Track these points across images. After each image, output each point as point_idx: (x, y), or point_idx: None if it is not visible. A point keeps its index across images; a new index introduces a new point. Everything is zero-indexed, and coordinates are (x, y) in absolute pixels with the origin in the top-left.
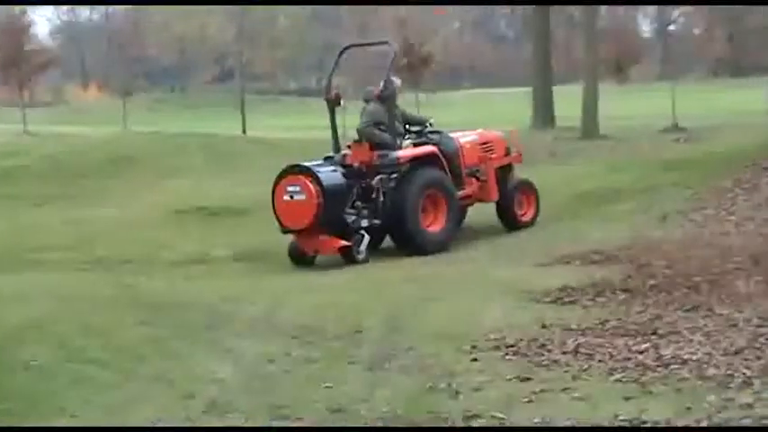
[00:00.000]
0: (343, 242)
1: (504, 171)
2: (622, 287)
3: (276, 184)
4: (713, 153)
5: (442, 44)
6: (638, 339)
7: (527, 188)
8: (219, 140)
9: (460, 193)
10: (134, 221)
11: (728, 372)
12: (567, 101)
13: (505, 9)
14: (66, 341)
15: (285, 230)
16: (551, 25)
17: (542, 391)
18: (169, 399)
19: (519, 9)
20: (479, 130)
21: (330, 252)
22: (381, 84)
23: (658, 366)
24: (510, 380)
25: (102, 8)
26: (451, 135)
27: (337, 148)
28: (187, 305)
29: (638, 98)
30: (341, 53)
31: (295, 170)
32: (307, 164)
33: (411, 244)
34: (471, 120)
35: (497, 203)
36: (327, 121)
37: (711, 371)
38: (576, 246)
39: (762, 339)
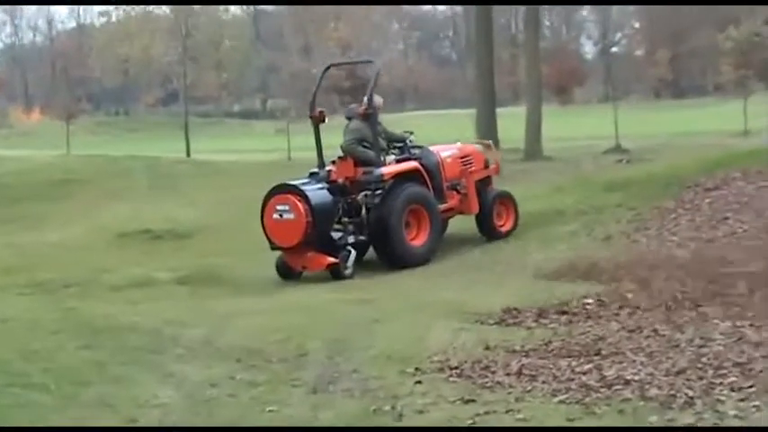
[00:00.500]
0: (331, 259)
1: (483, 183)
2: (566, 308)
3: (265, 203)
4: (655, 174)
5: (386, 66)
6: (582, 360)
7: (506, 199)
8: (163, 163)
9: (442, 206)
10: (76, 245)
11: (671, 392)
12: (511, 122)
13: (449, 31)
14: (7, 366)
15: (274, 248)
16: (494, 47)
17: (486, 413)
18: (112, 423)
19: (462, 30)
20: (458, 144)
21: (318, 268)
22: (365, 101)
23: (601, 387)
24: (453, 402)
25: (45, 30)
26: (432, 149)
27: (322, 164)
28: (129, 329)
29: (582, 119)
30: (324, 71)
31: (283, 189)
32: (295, 183)
33: (395, 258)
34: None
35: (477, 215)
36: (268, 144)
37: (654, 391)
38: (520, 267)
39: (703, 360)
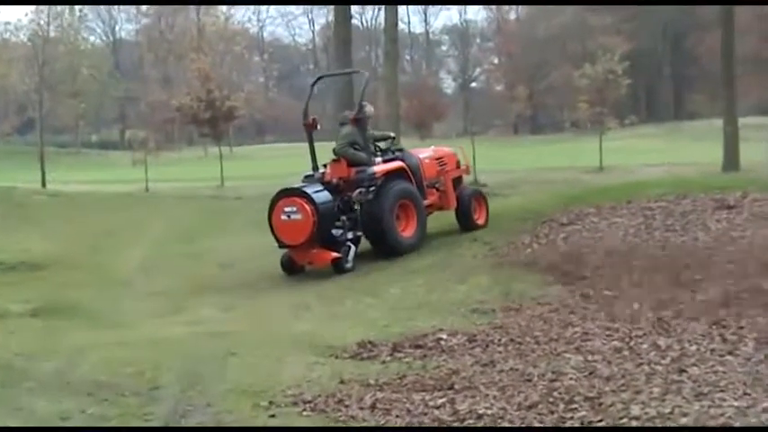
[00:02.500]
0: (335, 254)
1: (456, 182)
2: (421, 342)
3: (273, 205)
4: (512, 208)
5: (246, 98)
6: (435, 394)
7: (479, 196)
8: (18, 193)
9: (425, 202)
10: None
11: (522, 426)
12: None
13: (310, 64)
14: None
15: (282, 246)
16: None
17: None
18: None
19: (323, 63)
20: (433, 147)
21: (323, 263)
22: (356, 108)
23: (454, 421)
24: None
25: None
26: (411, 152)
27: (315, 167)
28: None
29: None
30: (314, 83)
31: (290, 193)
32: (300, 186)
33: (389, 249)
34: (276, 174)
35: (456, 210)
36: (124, 175)
37: (506, 425)
38: (377, 300)
39: (555, 394)
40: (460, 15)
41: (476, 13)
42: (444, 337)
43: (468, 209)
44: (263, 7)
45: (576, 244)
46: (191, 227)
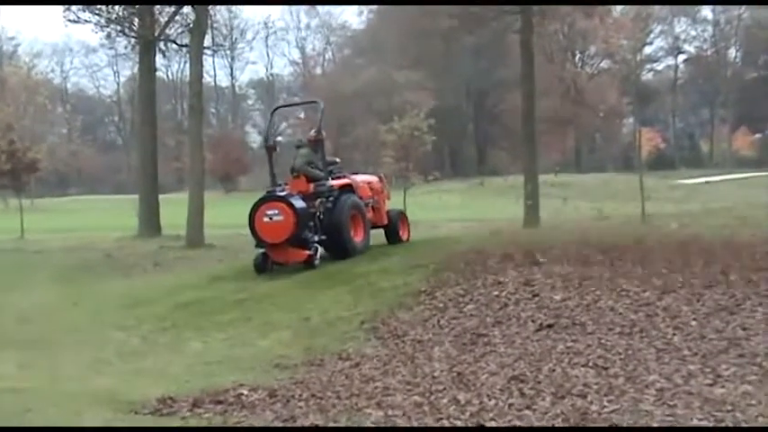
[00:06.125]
0: (308, 252)
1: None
2: (222, 397)
3: (255, 210)
4: (327, 264)
5: (48, 150)
6: None
7: (403, 217)
8: None
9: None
10: None
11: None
12: (177, 209)
13: (115, 115)
14: None
15: (260, 245)
16: (159, 132)
17: None
18: None
19: (128, 115)
20: (360, 174)
21: (297, 260)
22: (313, 132)
23: None
24: None
25: None
26: (349, 175)
27: (275, 184)
28: None
29: (246, 208)
30: (273, 112)
31: (271, 198)
32: (279, 193)
33: (344, 252)
34: (77, 226)
35: (385, 227)
36: None
37: None
38: (173, 355)
39: None
40: (267, 69)
41: (282, 68)
42: (245, 392)
43: (396, 226)
44: (67, 58)
45: None
46: None
